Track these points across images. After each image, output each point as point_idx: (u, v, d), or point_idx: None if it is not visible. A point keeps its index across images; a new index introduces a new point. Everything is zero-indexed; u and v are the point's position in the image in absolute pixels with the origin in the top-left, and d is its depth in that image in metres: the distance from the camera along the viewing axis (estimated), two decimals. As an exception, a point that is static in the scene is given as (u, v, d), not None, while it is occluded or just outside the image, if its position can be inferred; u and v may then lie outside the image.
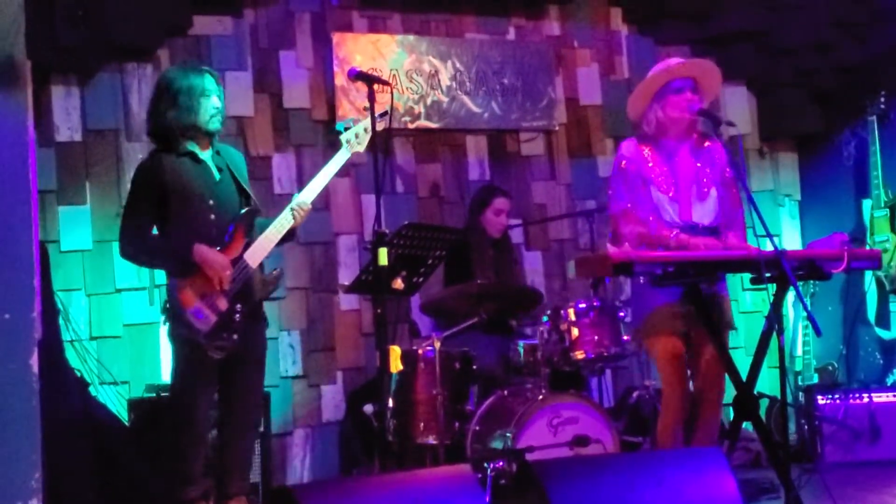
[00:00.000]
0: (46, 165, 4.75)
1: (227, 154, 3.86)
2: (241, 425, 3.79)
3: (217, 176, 3.77)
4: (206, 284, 3.61)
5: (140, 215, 3.69)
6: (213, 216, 3.70)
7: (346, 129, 3.82)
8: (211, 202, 3.71)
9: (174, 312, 3.63)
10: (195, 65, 3.90)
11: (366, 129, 3.77)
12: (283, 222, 3.74)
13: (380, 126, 3.67)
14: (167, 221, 3.69)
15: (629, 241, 3.70)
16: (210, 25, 5.17)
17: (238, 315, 3.63)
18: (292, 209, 3.74)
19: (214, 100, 3.72)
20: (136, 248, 3.71)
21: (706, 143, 3.95)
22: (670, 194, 3.84)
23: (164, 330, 3.78)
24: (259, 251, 3.71)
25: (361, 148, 3.79)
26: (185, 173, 3.70)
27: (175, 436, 3.72)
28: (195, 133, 3.72)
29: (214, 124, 3.73)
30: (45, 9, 4.45)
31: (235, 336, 3.62)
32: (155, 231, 3.75)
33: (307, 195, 3.77)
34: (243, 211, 3.74)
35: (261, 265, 3.75)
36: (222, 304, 3.61)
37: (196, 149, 3.74)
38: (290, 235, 3.86)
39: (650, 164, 3.87)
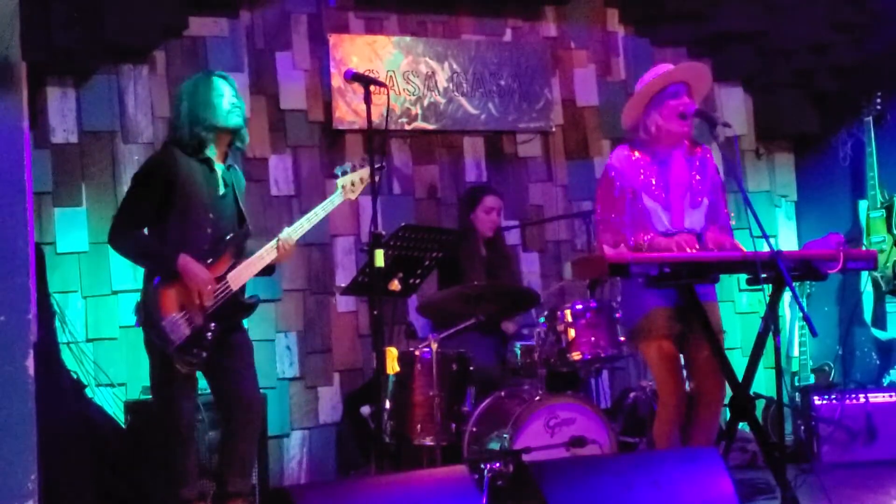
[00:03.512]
0: (42, 167, 4.75)
1: (234, 173, 3.91)
2: (241, 425, 3.77)
3: (222, 190, 3.79)
4: (187, 296, 3.62)
5: (139, 209, 3.71)
6: (209, 229, 3.72)
7: (344, 173, 3.85)
8: (211, 215, 3.74)
9: (150, 319, 3.63)
10: (204, 72, 3.97)
11: (361, 179, 3.85)
12: (267, 253, 3.76)
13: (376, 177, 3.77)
14: (165, 222, 3.69)
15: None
16: (206, 27, 5.16)
17: (210, 334, 3.63)
18: (278, 241, 3.76)
19: (229, 97, 3.77)
20: (127, 242, 3.73)
21: (697, 149, 3.97)
22: (663, 202, 3.85)
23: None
24: (242, 275, 3.73)
25: (354, 196, 3.87)
26: (198, 178, 3.72)
27: (163, 439, 3.74)
28: (216, 133, 3.74)
29: (234, 119, 3.77)
30: (40, 10, 4.44)
31: (205, 354, 3.63)
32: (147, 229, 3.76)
33: (294, 232, 3.79)
34: (232, 235, 3.76)
35: (241, 288, 3.76)
36: (198, 319, 3.63)
37: (214, 155, 3.77)
38: (269, 270, 3.88)
39: (642, 172, 3.87)
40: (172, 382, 3.68)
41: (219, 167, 3.79)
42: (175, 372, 3.64)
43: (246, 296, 3.81)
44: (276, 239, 3.77)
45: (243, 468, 3.78)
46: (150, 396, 3.94)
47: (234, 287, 3.70)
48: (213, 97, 3.74)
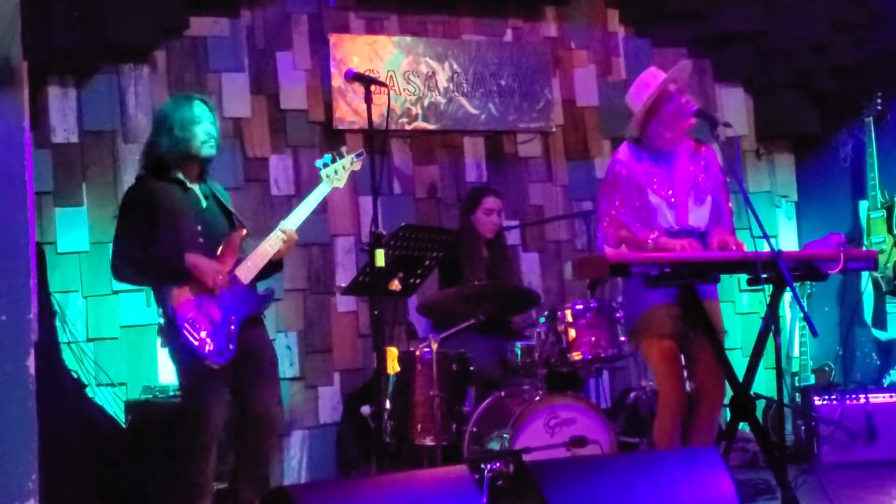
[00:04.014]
0: (43, 167, 4.74)
1: (212, 186, 3.91)
2: (256, 440, 3.77)
3: (204, 203, 3.81)
4: (201, 295, 3.63)
5: (133, 235, 3.72)
6: (201, 239, 3.74)
7: (325, 165, 3.88)
8: (199, 227, 3.75)
9: (171, 324, 3.62)
10: (186, 94, 3.96)
11: (344, 167, 3.88)
12: (272, 244, 3.76)
13: (357, 166, 3.87)
14: (156, 243, 3.70)
15: (610, 244, 3.71)
16: (207, 26, 5.16)
17: (233, 326, 3.65)
18: (281, 232, 3.76)
19: (206, 125, 3.76)
20: (133, 267, 3.75)
21: (702, 148, 3.97)
22: (668, 199, 3.85)
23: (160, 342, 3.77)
24: (251, 268, 3.74)
25: (341, 184, 3.90)
26: (173, 197, 3.74)
27: (186, 445, 3.69)
28: (188, 162, 3.76)
29: (207, 150, 3.77)
30: (41, 10, 4.44)
31: (232, 346, 3.63)
32: None
33: (291, 223, 3.79)
34: (230, 234, 3.77)
35: (253, 283, 3.77)
36: (216, 315, 3.63)
37: (185, 180, 3.78)
38: (276, 267, 3.89)
39: (646, 169, 3.87)
40: (203, 388, 3.65)
41: (192, 187, 3.81)
42: (205, 377, 3.62)
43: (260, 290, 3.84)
44: (277, 229, 3.77)
45: (257, 482, 3.76)
46: (178, 399, 3.93)
47: (245, 280, 3.71)
48: (191, 124, 3.74)
